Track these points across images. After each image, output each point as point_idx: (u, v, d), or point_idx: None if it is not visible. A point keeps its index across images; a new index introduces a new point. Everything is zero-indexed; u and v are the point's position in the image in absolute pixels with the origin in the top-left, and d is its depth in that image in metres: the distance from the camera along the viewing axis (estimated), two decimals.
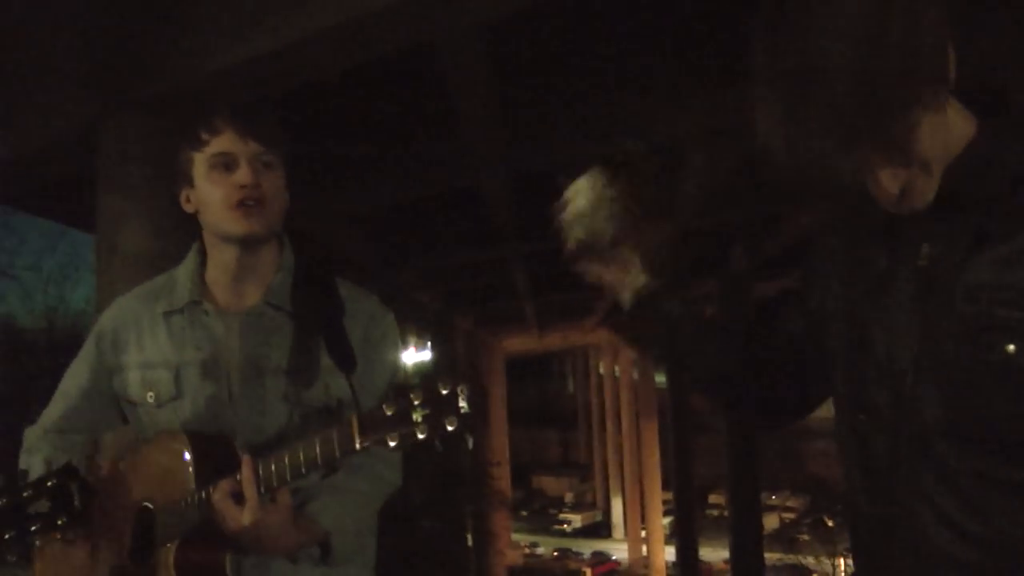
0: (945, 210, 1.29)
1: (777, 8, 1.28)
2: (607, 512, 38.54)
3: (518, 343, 25.60)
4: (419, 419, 1.50)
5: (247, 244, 2.00)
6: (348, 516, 1.96)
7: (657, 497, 26.11)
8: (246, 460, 1.74)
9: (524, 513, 40.00)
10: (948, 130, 1.27)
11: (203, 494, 1.80)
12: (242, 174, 1.94)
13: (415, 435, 1.51)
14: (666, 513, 25.84)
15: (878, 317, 1.35)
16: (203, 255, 2.10)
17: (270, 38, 3.95)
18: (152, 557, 1.92)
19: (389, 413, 1.53)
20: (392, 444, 1.52)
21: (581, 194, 1.65)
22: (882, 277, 1.36)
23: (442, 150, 6.99)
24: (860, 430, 1.37)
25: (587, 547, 36.55)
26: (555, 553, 35.92)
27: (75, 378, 2.15)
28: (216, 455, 1.85)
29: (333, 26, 3.78)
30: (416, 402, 1.51)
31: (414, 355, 16.32)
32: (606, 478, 38.19)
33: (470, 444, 1.52)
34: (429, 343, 16.20)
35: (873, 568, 1.41)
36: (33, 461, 2.07)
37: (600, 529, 38.57)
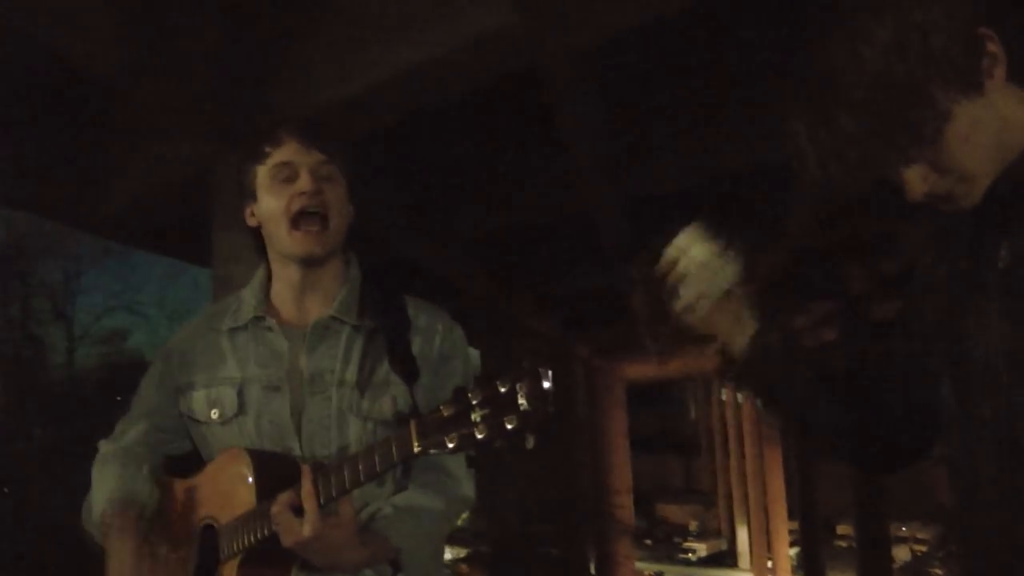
0: (1020, 205, 1.27)
1: (814, 22, 1.34)
2: (732, 541, 37.73)
3: (638, 370, 25.36)
4: (478, 419, 1.51)
5: (308, 264, 2.02)
6: (420, 534, 1.97)
7: (783, 526, 25.47)
8: (306, 471, 1.76)
9: (648, 542, 39.47)
10: (997, 131, 1.27)
11: (265, 509, 1.81)
12: (303, 182, 1.99)
13: (474, 436, 1.52)
14: (792, 543, 25.26)
15: (972, 325, 1.34)
16: (269, 272, 2.13)
17: (377, 70, 4.02)
18: (215, 575, 1.94)
19: (447, 415, 1.55)
20: (451, 446, 1.54)
21: (695, 245, 1.62)
22: (970, 284, 1.34)
23: (553, 175, 6.99)
24: (971, 445, 1.32)
25: None
26: None
27: (143, 398, 2.22)
28: (278, 471, 1.87)
29: (440, 55, 3.81)
30: (474, 402, 1.51)
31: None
32: (730, 506, 37.44)
33: (530, 443, 1.50)
34: (549, 372, 16.17)
35: None
36: (107, 466, 2.13)
37: (725, 558, 37.75)
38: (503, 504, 14.29)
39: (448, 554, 24.81)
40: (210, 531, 2.00)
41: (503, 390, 1.50)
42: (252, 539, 1.84)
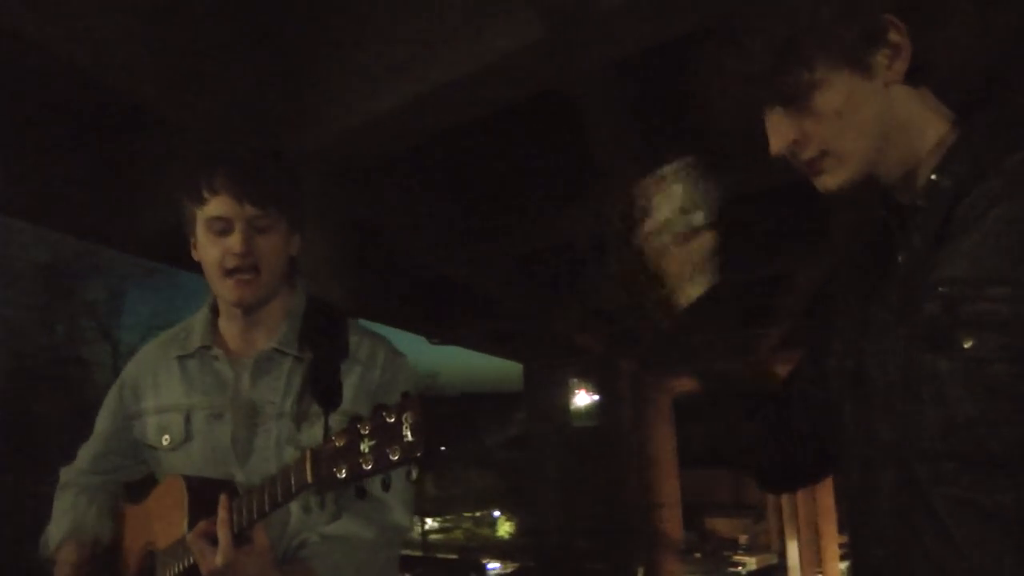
0: (919, 217, 1.23)
1: None
2: (782, 555, 37.46)
3: (685, 384, 25.29)
4: (366, 449, 1.50)
5: (244, 308, 2.03)
6: (347, 563, 1.98)
7: (833, 540, 25.30)
8: (223, 500, 1.77)
9: (698, 555, 39.35)
10: (884, 123, 1.24)
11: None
12: (234, 241, 2.01)
13: (361, 467, 1.51)
14: (843, 557, 25.09)
15: (871, 341, 1.29)
16: (216, 303, 2.16)
17: (408, 89, 4.06)
18: None
19: (339, 445, 1.56)
20: (341, 477, 1.53)
21: (677, 177, 1.55)
22: (872, 299, 1.31)
23: (598, 191, 7.00)
24: (868, 468, 1.28)
25: None
26: None
27: (102, 423, 2.29)
28: (214, 498, 1.85)
29: (471, 73, 3.81)
30: (364, 432, 1.50)
31: (585, 398, 16.33)
32: (780, 520, 37.18)
33: (413, 475, 1.53)
34: (595, 387, 16.13)
35: None
36: (63, 497, 2.17)
37: (775, 572, 37.53)
38: (549, 519, 14.25)
39: (498, 565, 24.71)
40: (150, 556, 2.02)
41: (390, 421, 1.49)
42: (179, 567, 1.84)
